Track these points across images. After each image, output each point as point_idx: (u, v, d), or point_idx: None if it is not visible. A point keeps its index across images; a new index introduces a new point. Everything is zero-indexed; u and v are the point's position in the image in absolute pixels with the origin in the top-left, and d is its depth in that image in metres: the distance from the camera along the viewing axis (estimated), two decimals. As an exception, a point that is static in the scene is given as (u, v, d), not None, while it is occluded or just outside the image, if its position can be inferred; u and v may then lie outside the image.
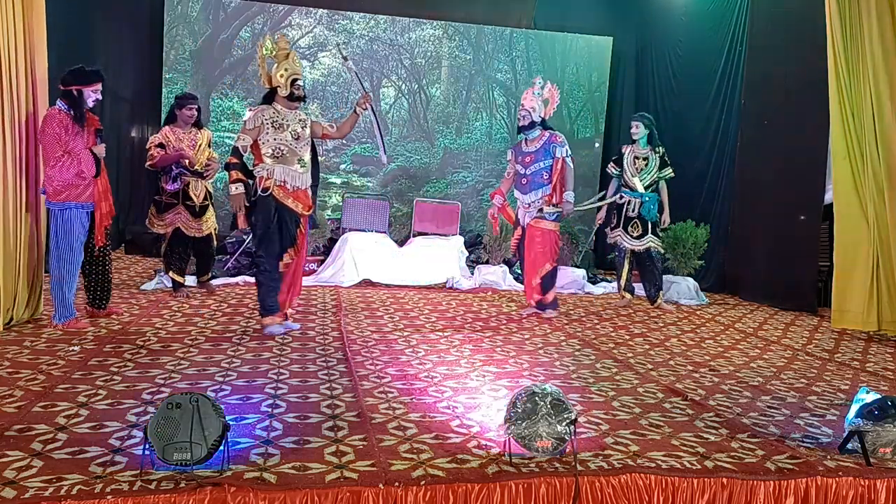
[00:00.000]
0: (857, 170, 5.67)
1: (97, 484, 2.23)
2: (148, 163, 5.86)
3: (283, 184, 4.63)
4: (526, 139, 5.84)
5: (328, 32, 9.68)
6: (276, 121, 4.67)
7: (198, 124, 5.97)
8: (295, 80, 4.69)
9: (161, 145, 5.80)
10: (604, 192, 7.04)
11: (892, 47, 5.46)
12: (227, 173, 4.69)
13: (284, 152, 4.65)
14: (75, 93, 4.47)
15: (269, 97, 4.74)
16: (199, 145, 5.90)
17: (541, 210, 5.74)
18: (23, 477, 2.27)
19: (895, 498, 2.64)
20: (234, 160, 4.63)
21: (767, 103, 7.41)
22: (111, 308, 5.01)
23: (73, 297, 4.59)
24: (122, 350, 4.03)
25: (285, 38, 4.85)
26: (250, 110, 4.77)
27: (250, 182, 4.66)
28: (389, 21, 9.81)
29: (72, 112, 4.43)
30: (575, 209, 5.98)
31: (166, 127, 5.95)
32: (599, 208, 6.90)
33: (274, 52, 4.71)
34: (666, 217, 6.55)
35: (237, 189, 4.59)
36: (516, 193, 5.96)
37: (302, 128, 4.77)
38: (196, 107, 5.92)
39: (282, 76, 4.67)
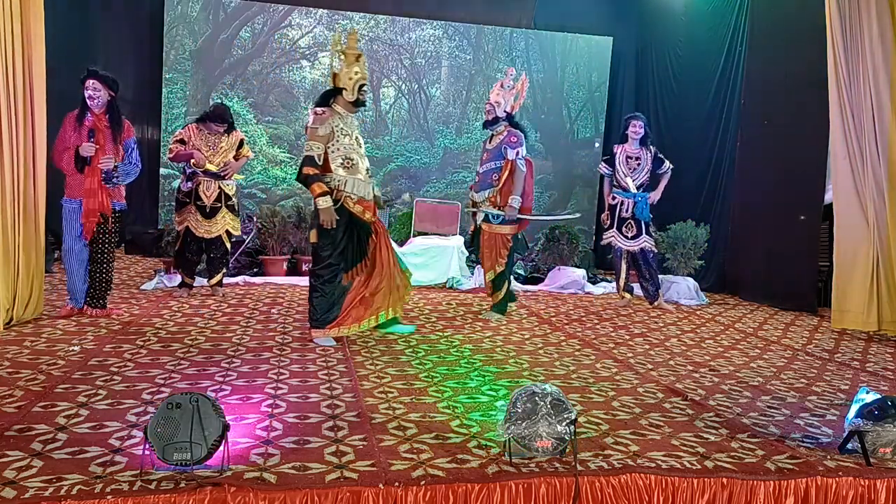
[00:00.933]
0: (857, 170, 5.67)
1: (97, 484, 2.23)
2: (168, 156, 6.09)
3: (353, 194, 4.45)
4: (491, 135, 5.65)
5: (328, 32, 9.68)
6: (342, 127, 4.46)
7: (228, 131, 6.01)
8: (363, 85, 4.51)
9: (181, 141, 5.89)
10: (571, 211, 6.91)
11: (892, 47, 5.46)
12: (305, 187, 4.43)
13: (354, 161, 4.45)
14: (81, 93, 4.80)
15: (327, 98, 4.53)
16: (221, 149, 5.93)
17: (494, 212, 5.54)
18: (23, 477, 2.26)
19: (895, 498, 2.64)
20: (313, 171, 4.33)
21: (767, 103, 7.41)
22: (111, 309, 5.04)
23: (77, 286, 4.89)
24: (122, 350, 4.03)
25: (356, 38, 4.62)
26: (315, 115, 4.45)
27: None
28: (389, 21, 9.81)
29: (77, 111, 4.81)
30: (531, 218, 5.81)
31: (192, 124, 6.02)
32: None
33: (344, 49, 4.54)
34: (655, 196, 6.45)
35: (325, 202, 4.29)
36: (473, 193, 5.78)
37: (360, 134, 4.62)
38: (225, 126, 5.94)
39: (351, 79, 4.47)
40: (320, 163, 4.37)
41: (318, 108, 4.49)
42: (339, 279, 4.45)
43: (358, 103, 4.53)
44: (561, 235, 8.16)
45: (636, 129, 6.44)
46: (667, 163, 6.45)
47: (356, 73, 4.49)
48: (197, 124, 5.97)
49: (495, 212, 5.53)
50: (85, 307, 4.94)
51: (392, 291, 4.61)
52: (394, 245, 4.91)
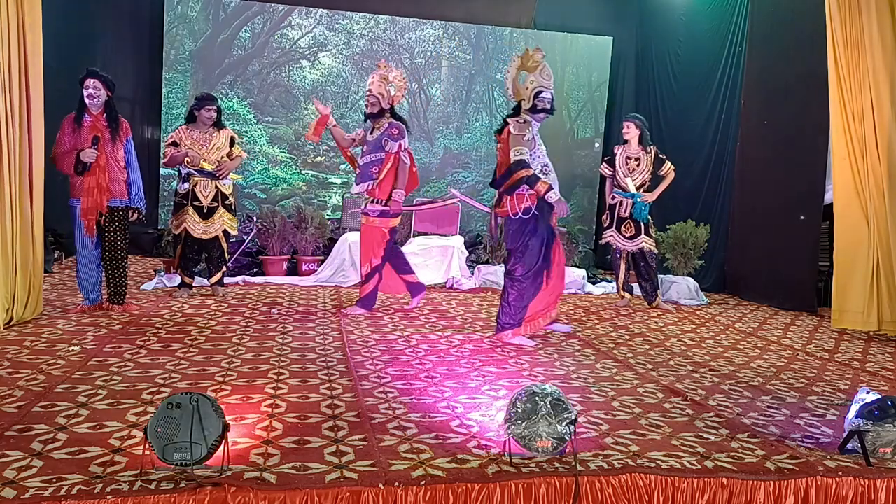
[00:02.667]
0: (857, 170, 5.66)
1: (97, 484, 2.23)
2: (163, 161, 6.11)
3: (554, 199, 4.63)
4: (373, 127, 5.54)
5: (328, 32, 9.68)
6: (536, 136, 4.68)
7: (218, 124, 6.00)
8: (539, 92, 4.62)
9: (175, 143, 5.88)
10: (450, 196, 6.76)
11: (892, 47, 5.46)
12: (529, 187, 4.59)
13: (550, 167, 4.68)
14: (80, 93, 4.88)
15: (517, 110, 4.70)
16: (214, 145, 5.92)
17: (371, 206, 5.47)
18: (23, 477, 2.26)
19: (895, 498, 2.64)
20: (531, 171, 4.55)
21: (767, 103, 7.42)
22: (128, 305, 5.21)
23: (89, 285, 5.03)
24: (122, 350, 4.03)
25: (540, 51, 4.73)
26: (517, 123, 4.64)
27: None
28: (389, 21, 9.81)
29: (75, 112, 4.89)
30: (403, 209, 5.74)
31: (182, 126, 6.00)
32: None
33: (527, 64, 4.68)
34: (650, 196, 6.38)
35: (556, 195, 4.61)
36: (354, 185, 5.69)
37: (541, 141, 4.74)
38: (214, 108, 5.93)
39: (527, 88, 4.65)
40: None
41: (518, 118, 4.66)
42: (539, 280, 4.72)
43: (535, 109, 4.65)
44: (561, 235, 8.15)
45: (625, 130, 6.46)
46: (668, 163, 6.44)
47: (532, 81, 4.65)
48: (187, 125, 5.96)
49: (376, 206, 5.45)
50: (105, 302, 5.15)
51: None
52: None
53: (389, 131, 5.42)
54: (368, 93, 5.48)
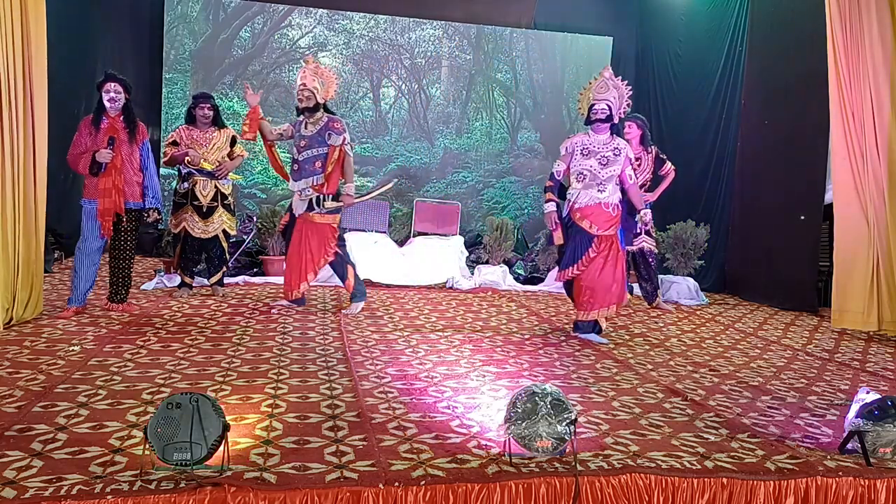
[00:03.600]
0: (857, 170, 5.67)
1: (97, 484, 2.23)
2: (163, 160, 6.06)
3: (581, 206, 4.89)
4: (307, 122, 5.47)
5: (328, 32, 9.69)
6: (587, 147, 4.94)
7: (217, 123, 6.01)
8: (592, 105, 4.91)
9: (175, 143, 5.90)
10: (382, 182, 6.72)
11: (893, 47, 5.46)
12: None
13: (587, 177, 4.90)
14: (98, 95, 4.90)
15: (587, 122, 5.01)
16: (214, 144, 5.93)
17: (318, 202, 5.41)
18: (23, 477, 2.26)
19: (895, 498, 2.64)
20: (550, 183, 5.06)
21: (767, 103, 7.42)
22: (128, 305, 5.19)
23: (84, 286, 4.94)
24: (122, 350, 4.03)
25: (609, 69, 5.04)
26: (568, 138, 5.14)
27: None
28: (389, 21, 9.81)
29: (92, 114, 4.91)
30: (355, 201, 5.73)
31: (182, 126, 6.02)
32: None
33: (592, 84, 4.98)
34: (650, 196, 6.31)
35: (549, 207, 5.02)
36: (290, 182, 5.55)
37: (615, 154, 4.92)
38: (208, 105, 5.95)
39: (585, 102, 4.98)
40: (558, 178, 5.05)
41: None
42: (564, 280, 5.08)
43: (589, 121, 4.97)
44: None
45: (627, 130, 6.43)
46: (668, 164, 6.44)
47: (591, 96, 4.96)
48: (187, 125, 5.97)
49: (330, 203, 5.42)
50: (105, 302, 5.16)
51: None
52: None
53: (332, 125, 5.40)
54: (302, 87, 5.40)
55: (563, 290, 7.35)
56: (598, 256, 4.90)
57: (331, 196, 5.46)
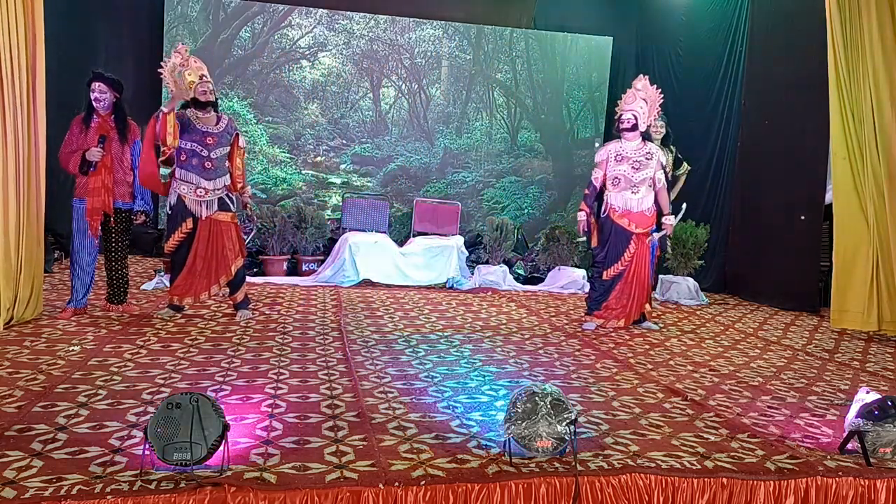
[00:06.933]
0: (857, 170, 5.67)
1: (97, 484, 2.23)
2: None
3: (618, 207, 5.29)
4: (205, 116, 5.05)
5: (328, 32, 9.69)
6: (620, 154, 5.31)
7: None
8: (620, 115, 5.31)
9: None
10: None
11: (892, 47, 5.46)
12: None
13: (621, 182, 5.27)
14: (87, 95, 4.85)
15: (616, 130, 5.41)
16: None
17: (231, 200, 5.21)
18: (23, 477, 2.26)
19: (895, 498, 2.64)
20: (587, 191, 5.45)
21: (767, 103, 7.41)
22: (128, 305, 5.18)
23: (82, 287, 4.92)
24: (122, 350, 4.03)
25: (643, 79, 5.37)
26: (603, 146, 5.52)
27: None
28: (389, 21, 9.82)
29: (83, 113, 4.86)
30: (251, 201, 5.59)
31: None
32: None
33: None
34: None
35: (580, 216, 5.44)
36: (199, 180, 4.99)
37: (647, 159, 5.29)
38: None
39: (616, 113, 5.36)
40: (596, 185, 5.41)
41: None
42: (601, 276, 5.38)
43: (618, 130, 5.37)
44: (561, 235, 8.17)
45: (658, 129, 6.47)
46: (684, 164, 6.52)
47: (620, 107, 5.35)
48: None
49: (236, 199, 5.32)
50: (104, 303, 5.15)
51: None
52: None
53: (233, 124, 5.21)
54: (203, 78, 5.09)
55: (563, 290, 7.41)
56: (637, 252, 5.33)
57: (237, 195, 5.29)
